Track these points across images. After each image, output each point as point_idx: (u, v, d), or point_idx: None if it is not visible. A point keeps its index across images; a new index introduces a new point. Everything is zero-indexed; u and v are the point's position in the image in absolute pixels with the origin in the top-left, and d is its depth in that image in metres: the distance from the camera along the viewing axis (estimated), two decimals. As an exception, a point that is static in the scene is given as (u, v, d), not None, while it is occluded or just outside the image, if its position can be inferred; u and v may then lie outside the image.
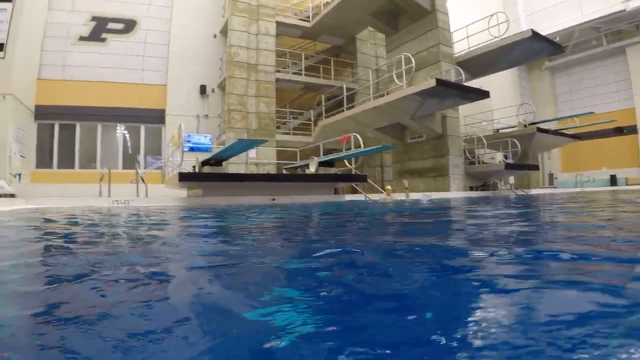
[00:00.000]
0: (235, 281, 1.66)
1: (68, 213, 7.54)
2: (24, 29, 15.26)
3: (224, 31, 17.58)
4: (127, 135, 17.68)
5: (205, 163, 11.77)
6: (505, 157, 16.87)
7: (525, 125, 17.63)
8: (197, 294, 1.46)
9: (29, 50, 16.17)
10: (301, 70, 18.03)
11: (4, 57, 14.90)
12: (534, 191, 18.05)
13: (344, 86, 15.86)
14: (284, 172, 14.28)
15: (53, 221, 5.49)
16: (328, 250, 2.24)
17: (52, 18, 17.47)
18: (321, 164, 12.76)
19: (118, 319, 1.15)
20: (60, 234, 3.85)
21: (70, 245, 2.90)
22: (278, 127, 17.49)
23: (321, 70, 18.51)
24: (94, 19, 17.74)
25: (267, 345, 0.91)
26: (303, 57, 18.47)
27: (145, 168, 15.90)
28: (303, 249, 2.65)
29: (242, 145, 11.55)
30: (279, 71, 17.32)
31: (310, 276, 1.70)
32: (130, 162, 16.89)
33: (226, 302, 1.34)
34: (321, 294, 1.40)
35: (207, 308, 1.27)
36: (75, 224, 5.14)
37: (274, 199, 11.39)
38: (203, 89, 17.93)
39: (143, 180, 13.39)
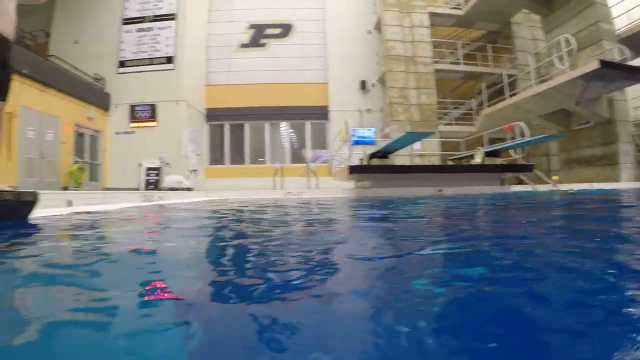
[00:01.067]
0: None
1: (254, 203, 8.66)
2: (189, 42, 18.42)
3: (378, 27, 18.82)
4: (293, 131, 19.57)
5: (373, 156, 12.77)
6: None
7: None
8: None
9: (196, 60, 19.39)
10: (459, 59, 18.54)
11: (174, 69, 17.58)
12: None
13: (504, 73, 15.95)
14: (449, 163, 14.83)
15: (240, 210, 6.09)
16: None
17: (214, 30, 20.31)
18: (486, 154, 13.11)
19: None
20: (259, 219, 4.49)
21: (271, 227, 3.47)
22: (440, 118, 18.30)
23: (479, 57, 18.73)
24: (252, 26, 20.14)
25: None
26: (460, 45, 18.85)
27: (312, 162, 17.48)
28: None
29: (410, 138, 12.44)
30: (436, 62, 18.02)
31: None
32: (296, 156, 18.72)
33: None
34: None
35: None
36: (264, 211, 5.92)
37: (440, 190, 11.95)
38: (363, 84, 19.29)
39: (314, 173, 14.78)
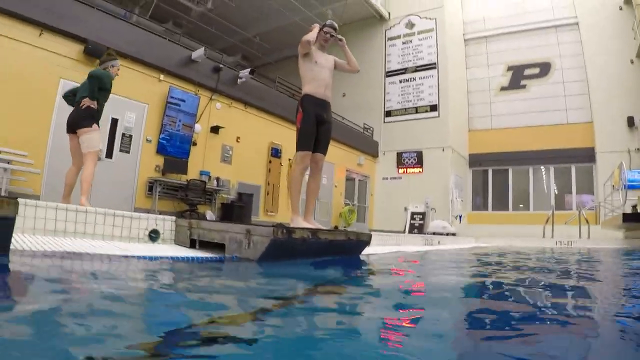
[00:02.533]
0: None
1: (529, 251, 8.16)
2: (451, 89, 18.86)
3: None
4: (556, 177, 18.53)
5: None
6: None
7: None
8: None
9: (458, 106, 19.70)
10: None
11: (438, 116, 17.97)
12: None
13: None
14: None
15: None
16: None
17: (472, 75, 20.53)
18: None
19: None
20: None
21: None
22: None
23: None
24: (509, 68, 19.89)
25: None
26: None
27: (577, 208, 16.19)
28: None
29: None
30: None
31: None
32: (560, 202, 17.58)
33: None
34: None
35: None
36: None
37: None
38: (630, 121, 17.46)
39: (587, 221, 13.61)
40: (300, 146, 4.64)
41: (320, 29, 4.85)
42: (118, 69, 5.73)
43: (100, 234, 3.11)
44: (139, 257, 2.50)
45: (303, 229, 3.41)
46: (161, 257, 2.65)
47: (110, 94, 5.68)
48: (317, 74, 4.74)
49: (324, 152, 4.83)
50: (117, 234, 3.18)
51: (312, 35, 4.74)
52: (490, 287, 2.52)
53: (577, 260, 5.67)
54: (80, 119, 5.30)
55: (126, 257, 2.44)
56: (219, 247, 3.19)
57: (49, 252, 2.24)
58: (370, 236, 4.54)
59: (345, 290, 2.14)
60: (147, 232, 3.33)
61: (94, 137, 5.34)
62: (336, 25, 4.95)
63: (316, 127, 4.66)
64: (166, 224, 3.54)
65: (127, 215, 3.23)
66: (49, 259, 2.04)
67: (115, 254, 2.48)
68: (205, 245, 3.34)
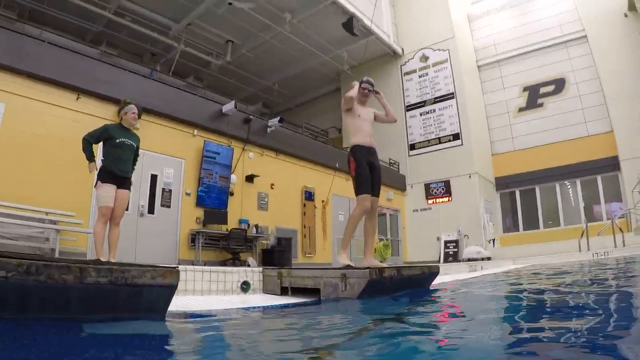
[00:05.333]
0: None
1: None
2: (470, 116, 19.12)
3: None
4: (583, 189, 18.42)
5: None
6: None
7: None
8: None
9: (480, 132, 19.90)
10: None
11: (462, 144, 18.15)
12: None
13: None
14: None
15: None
16: None
17: (490, 100, 20.83)
18: None
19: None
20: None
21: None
22: None
23: None
24: (525, 89, 20.13)
25: None
26: None
27: (607, 218, 16.02)
28: None
29: None
30: None
31: None
32: (589, 214, 17.42)
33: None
34: None
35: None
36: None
37: None
38: (651, 125, 17.35)
39: (620, 230, 13.49)
40: (361, 190, 4.97)
41: (360, 85, 5.21)
42: (134, 112, 5.79)
43: (199, 289, 3.26)
44: (256, 307, 2.64)
45: (390, 267, 3.57)
46: (274, 306, 2.79)
47: (146, 151, 5.91)
48: (360, 126, 5.13)
49: (379, 194, 5.19)
50: (213, 288, 3.33)
51: (353, 92, 5.14)
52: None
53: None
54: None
55: (247, 309, 2.58)
56: (313, 291, 3.35)
57: (181, 312, 2.39)
58: (438, 268, 4.77)
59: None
60: (239, 284, 3.48)
61: (99, 194, 5.44)
62: (372, 81, 5.31)
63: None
64: (255, 275, 3.69)
65: (221, 270, 3.39)
66: (198, 321, 2.19)
67: (239, 307, 2.62)
68: (297, 291, 3.49)
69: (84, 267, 1.76)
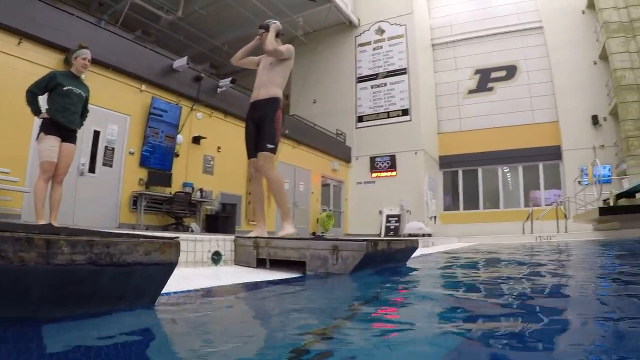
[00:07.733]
0: None
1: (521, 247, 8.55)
2: (421, 93, 19.52)
3: (603, 56, 17.93)
4: (524, 174, 19.33)
5: (620, 196, 11.88)
6: None
7: None
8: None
9: (428, 110, 20.39)
10: None
11: (410, 120, 18.49)
12: None
13: None
14: None
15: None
16: None
17: (441, 79, 21.28)
18: None
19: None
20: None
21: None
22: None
23: None
24: (477, 72, 20.73)
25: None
26: None
27: (546, 205, 16.99)
28: None
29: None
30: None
31: None
32: (527, 199, 18.36)
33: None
34: None
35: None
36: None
37: None
38: (595, 119, 18.45)
39: (565, 216, 14.29)
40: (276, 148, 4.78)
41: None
42: (84, 58, 5.38)
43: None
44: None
45: (382, 240, 3.51)
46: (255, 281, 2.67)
47: (91, 105, 5.56)
48: (256, 79, 5.00)
49: (257, 155, 4.86)
50: (182, 259, 3.06)
51: (250, 46, 5.20)
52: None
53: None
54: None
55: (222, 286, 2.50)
56: (296, 264, 3.18)
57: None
58: (418, 242, 4.75)
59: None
60: (210, 255, 3.35)
61: (41, 148, 5.01)
62: (266, 22, 5.09)
63: None
64: (226, 244, 3.55)
65: (191, 239, 3.21)
66: (190, 299, 2.02)
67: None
68: (276, 263, 3.33)
69: (52, 239, 1.18)
